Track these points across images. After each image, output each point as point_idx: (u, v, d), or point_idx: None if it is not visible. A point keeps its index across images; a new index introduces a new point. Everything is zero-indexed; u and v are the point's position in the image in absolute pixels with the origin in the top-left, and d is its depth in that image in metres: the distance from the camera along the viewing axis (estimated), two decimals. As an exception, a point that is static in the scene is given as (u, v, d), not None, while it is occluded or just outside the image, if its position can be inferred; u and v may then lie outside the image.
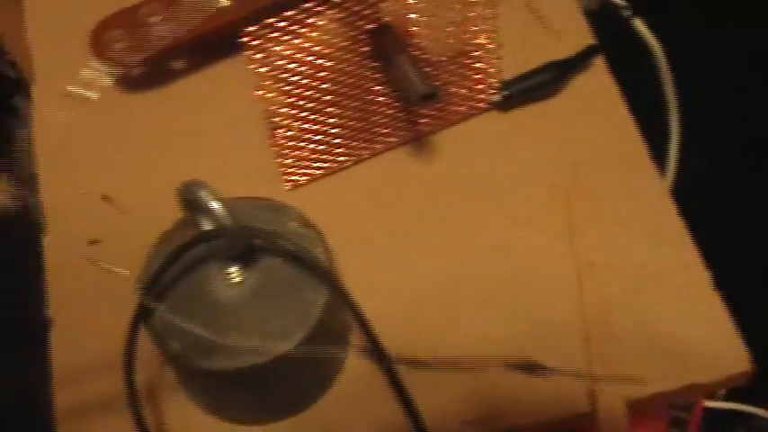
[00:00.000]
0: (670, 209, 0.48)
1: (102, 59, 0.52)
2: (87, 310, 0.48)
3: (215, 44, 0.54)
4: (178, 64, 0.55)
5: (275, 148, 0.50)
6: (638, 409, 0.43)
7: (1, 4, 0.73)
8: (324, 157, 0.50)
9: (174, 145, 0.53)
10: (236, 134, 0.53)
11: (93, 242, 0.50)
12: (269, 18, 0.51)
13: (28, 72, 0.80)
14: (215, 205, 0.39)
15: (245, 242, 0.41)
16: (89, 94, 0.54)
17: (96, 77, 0.54)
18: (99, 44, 0.52)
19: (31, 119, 0.55)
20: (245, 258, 0.41)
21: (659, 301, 0.46)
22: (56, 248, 0.50)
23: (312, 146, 0.49)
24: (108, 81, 0.54)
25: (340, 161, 0.50)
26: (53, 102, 0.55)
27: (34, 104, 0.56)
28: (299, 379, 0.43)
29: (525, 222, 0.49)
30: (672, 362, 0.44)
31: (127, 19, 0.53)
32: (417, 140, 0.51)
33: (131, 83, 0.55)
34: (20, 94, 0.93)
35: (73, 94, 0.54)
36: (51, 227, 0.51)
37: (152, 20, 0.53)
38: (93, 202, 0.52)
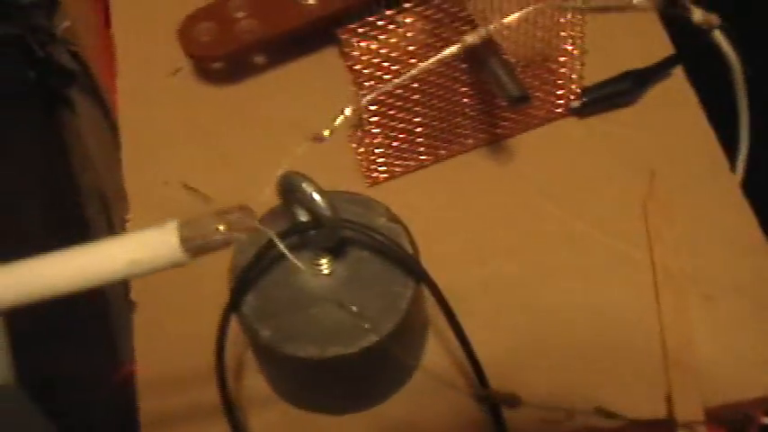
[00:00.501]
0: (750, 219, 0.49)
1: (189, 52, 0.54)
2: (170, 296, 0.49)
3: (296, 40, 0.55)
4: (260, 59, 0.56)
5: (355, 145, 0.51)
6: (716, 416, 0.43)
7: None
8: (405, 155, 0.51)
9: (254, 138, 0.54)
10: (314, 129, 0.54)
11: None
12: (354, 16, 0.53)
13: (95, 64, 0.82)
14: (316, 197, 0.40)
15: (339, 234, 0.41)
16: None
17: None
18: (186, 37, 0.53)
19: (116, 108, 0.57)
20: (336, 250, 0.42)
21: (737, 311, 0.46)
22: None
23: (395, 143, 0.50)
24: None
25: (420, 159, 0.51)
26: (137, 93, 0.56)
27: (119, 96, 0.57)
28: (383, 370, 0.44)
29: (602, 228, 0.49)
30: (749, 371, 0.44)
31: (215, 13, 0.54)
32: (496, 143, 0.52)
33: (215, 75, 0.56)
34: (76, 85, 0.95)
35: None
36: (134, 214, 0.52)
37: (239, 15, 0.54)
38: (175, 191, 0.53)
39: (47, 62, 0.93)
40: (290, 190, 0.40)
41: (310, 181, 0.40)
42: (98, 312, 0.80)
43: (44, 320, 0.63)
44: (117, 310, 0.82)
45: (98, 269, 0.35)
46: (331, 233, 0.41)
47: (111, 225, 0.96)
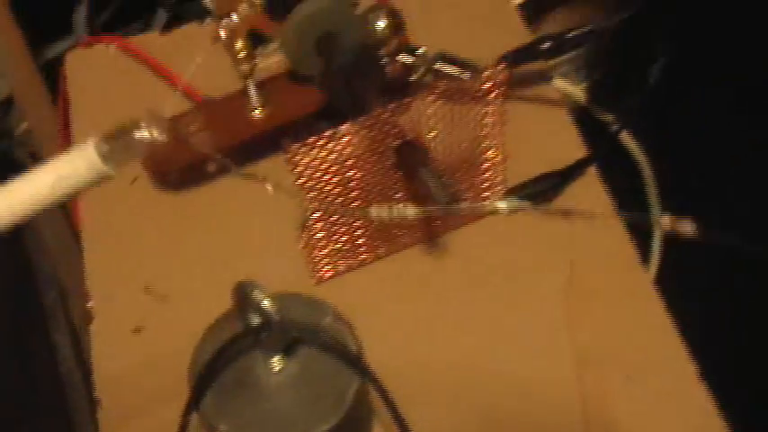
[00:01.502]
0: (657, 303, 0.54)
1: (145, 165, 0.58)
2: (132, 394, 0.53)
3: (246, 149, 0.60)
4: (213, 167, 0.61)
5: (302, 246, 0.55)
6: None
7: (36, 101, 0.79)
8: (348, 254, 0.55)
9: (211, 240, 0.58)
10: (268, 231, 0.58)
11: (137, 330, 0.55)
12: (298, 128, 0.58)
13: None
14: (266, 303, 0.44)
15: (289, 335, 0.46)
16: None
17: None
18: (144, 151, 0.58)
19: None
20: (287, 350, 0.47)
21: (654, 389, 0.51)
22: (102, 335, 0.55)
23: (339, 245, 0.55)
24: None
25: (362, 258, 0.56)
26: (98, 199, 0.60)
27: (81, 202, 0.61)
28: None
29: (528, 314, 0.54)
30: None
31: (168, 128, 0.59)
32: (431, 240, 0.57)
33: (171, 184, 0.60)
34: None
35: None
36: (98, 314, 0.56)
37: (192, 128, 0.59)
38: (136, 292, 0.57)
39: (4, 158, 0.96)
40: (242, 297, 0.45)
41: (260, 289, 0.44)
42: (57, 409, 0.83)
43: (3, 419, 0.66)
44: (77, 406, 0.84)
45: (31, 192, 0.41)
46: (281, 335, 0.45)
47: (69, 316, 0.98)
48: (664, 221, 0.44)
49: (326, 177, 0.51)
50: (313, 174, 0.50)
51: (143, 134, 0.43)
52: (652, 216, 0.66)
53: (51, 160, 0.41)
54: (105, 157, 0.41)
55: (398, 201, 0.54)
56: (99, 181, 0.42)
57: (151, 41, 0.68)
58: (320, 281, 0.56)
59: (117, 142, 0.42)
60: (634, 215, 0.53)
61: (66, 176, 0.41)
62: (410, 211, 0.46)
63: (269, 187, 0.47)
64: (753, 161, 0.70)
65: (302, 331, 0.46)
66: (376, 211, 0.46)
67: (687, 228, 0.43)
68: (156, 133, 0.43)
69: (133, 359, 0.54)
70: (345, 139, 0.50)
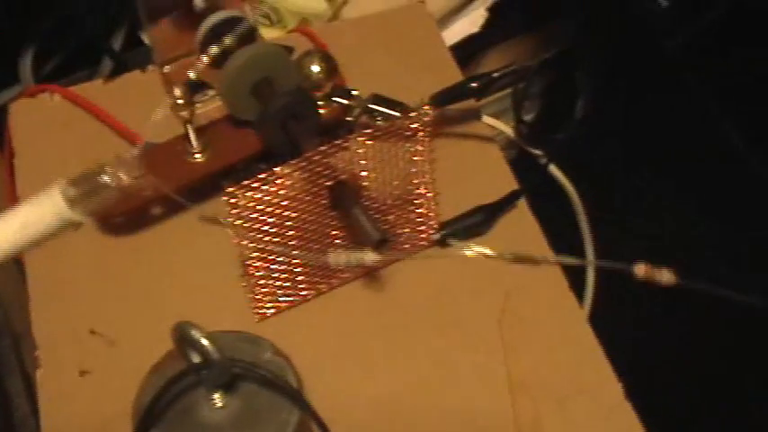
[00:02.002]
0: (588, 333, 0.57)
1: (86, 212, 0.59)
2: (80, 435, 0.54)
3: (189, 192, 0.62)
4: (157, 210, 0.62)
5: (245, 285, 0.57)
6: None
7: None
8: (288, 292, 0.57)
9: (156, 283, 0.60)
10: (211, 271, 0.60)
11: (83, 373, 0.56)
12: (237, 171, 0.60)
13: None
14: (204, 342, 0.46)
15: (229, 372, 0.47)
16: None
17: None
18: (87, 197, 0.59)
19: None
20: (228, 385, 0.48)
21: (585, 411, 0.53)
22: (49, 379, 0.56)
23: (279, 282, 0.56)
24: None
25: (302, 295, 0.58)
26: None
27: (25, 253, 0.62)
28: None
29: (465, 344, 0.57)
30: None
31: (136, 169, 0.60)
32: (369, 275, 0.59)
33: (116, 227, 0.62)
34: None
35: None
36: (44, 358, 0.57)
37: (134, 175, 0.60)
38: (83, 335, 0.58)
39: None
40: (182, 337, 0.46)
41: (198, 328, 0.46)
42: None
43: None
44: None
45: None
46: (221, 372, 0.47)
47: (22, 361, 0.98)
48: (639, 270, 0.45)
49: (263, 218, 0.53)
50: (250, 214, 0.52)
51: (110, 178, 0.42)
52: (586, 250, 0.69)
53: (15, 207, 0.40)
54: (72, 203, 0.40)
55: (332, 237, 0.56)
56: (66, 228, 0.40)
57: (94, 89, 0.69)
58: (263, 318, 0.58)
59: (83, 186, 0.41)
60: (570, 260, 0.56)
61: (31, 224, 0.39)
62: (369, 257, 0.48)
63: (219, 226, 0.49)
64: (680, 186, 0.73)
65: (242, 367, 0.48)
66: (334, 259, 0.49)
67: (665, 277, 0.45)
68: (123, 176, 0.43)
69: (80, 402, 0.55)
70: (280, 181, 0.52)
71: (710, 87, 0.71)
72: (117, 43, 0.85)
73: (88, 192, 0.41)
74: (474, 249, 0.57)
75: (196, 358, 0.47)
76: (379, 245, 0.51)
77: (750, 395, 0.75)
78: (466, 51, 0.89)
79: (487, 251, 0.57)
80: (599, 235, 0.67)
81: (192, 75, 0.56)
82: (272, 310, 0.58)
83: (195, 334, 0.46)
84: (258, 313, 0.57)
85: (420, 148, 0.56)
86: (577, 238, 0.67)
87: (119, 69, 0.79)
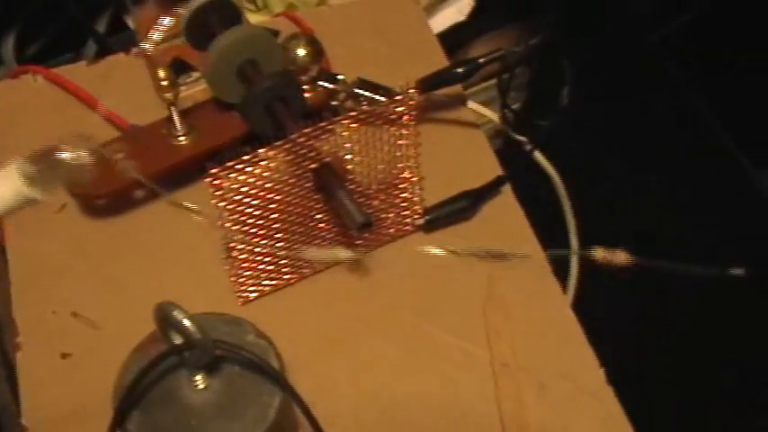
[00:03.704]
0: (569, 314, 0.57)
1: (72, 192, 0.59)
2: (60, 420, 0.53)
3: (173, 175, 0.61)
4: (140, 193, 0.62)
5: (229, 268, 0.57)
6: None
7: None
8: (272, 275, 0.57)
9: (139, 265, 0.59)
10: (194, 255, 0.60)
11: (65, 356, 0.56)
12: (222, 154, 0.60)
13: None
14: (186, 322, 0.45)
15: (211, 353, 0.47)
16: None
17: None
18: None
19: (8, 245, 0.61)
20: (210, 367, 0.48)
21: (566, 396, 0.54)
22: (29, 362, 0.56)
23: (262, 266, 0.56)
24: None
25: (286, 279, 0.58)
26: (25, 228, 0.61)
27: (7, 232, 0.61)
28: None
29: (449, 329, 0.57)
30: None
31: (94, 156, 0.60)
32: (354, 259, 0.59)
33: (99, 210, 0.61)
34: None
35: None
36: (25, 341, 0.56)
37: (118, 156, 0.60)
38: (64, 319, 0.57)
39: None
40: (164, 318, 0.46)
41: (180, 309, 0.46)
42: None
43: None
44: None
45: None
46: (203, 353, 0.47)
47: (4, 349, 0.98)
48: (598, 254, 0.48)
49: (247, 200, 0.53)
50: (233, 197, 0.52)
51: (67, 155, 0.42)
52: (570, 236, 0.69)
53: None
54: (30, 180, 0.40)
55: (317, 221, 0.56)
56: (24, 205, 0.41)
57: (78, 71, 0.69)
58: (246, 301, 0.58)
59: (41, 164, 0.41)
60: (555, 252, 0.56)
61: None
62: (342, 254, 0.48)
63: (194, 215, 0.48)
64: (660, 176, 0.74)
65: (224, 348, 0.48)
66: (310, 255, 0.49)
67: (621, 258, 0.49)
68: (80, 153, 0.43)
69: (61, 385, 0.55)
70: (264, 163, 0.52)
71: (692, 79, 0.71)
72: (101, 26, 0.85)
73: (45, 169, 0.41)
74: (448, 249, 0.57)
75: (178, 339, 0.47)
76: (363, 227, 0.51)
77: (729, 387, 0.76)
78: (453, 40, 0.89)
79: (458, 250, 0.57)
80: (583, 221, 0.67)
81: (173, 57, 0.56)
82: (256, 294, 0.57)
83: (177, 314, 0.46)
84: (241, 296, 0.57)
85: (405, 132, 0.56)
86: (561, 224, 0.67)
87: (103, 53, 0.78)
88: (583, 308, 0.60)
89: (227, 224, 0.53)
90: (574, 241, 0.68)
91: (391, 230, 0.60)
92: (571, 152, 0.67)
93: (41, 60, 0.81)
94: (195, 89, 0.64)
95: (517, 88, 0.82)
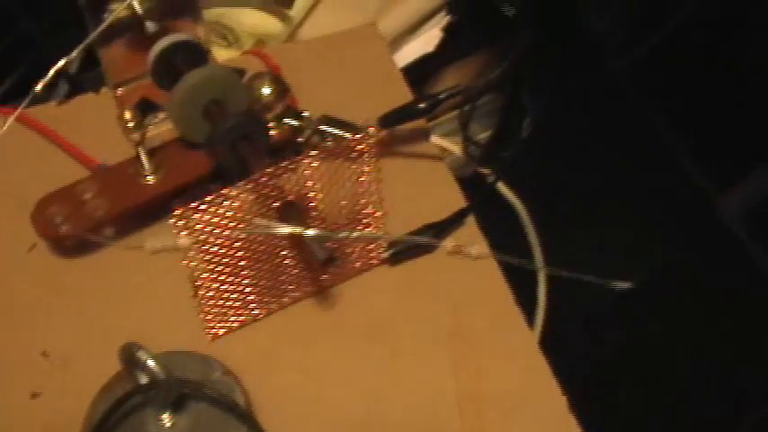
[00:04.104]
0: (533, 347, 0.58)
1: (42, 234, 0.60)
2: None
3: (141, 213, 0.62)
4: (110, 231, 0.63)
5: (197, 306, 0.58)
6: None
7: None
8: (239, 311, 0.58)
9: (109, 304, 0.60)
10: (164, 292, 0.60)
11: (35, 395, 0.56)
12: (189, 192, 0.61)
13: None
14: (150, 362, 0.46)
15: (176, 392, 0.48)
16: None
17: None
18: (39, 220, 0.60)
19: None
20: (176, 405, 0.49)
21: (527, 424, 0.55)
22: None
23: (229, 303, 0.57)
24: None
25: (254, 314, 0.59)
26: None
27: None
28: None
29: (415, 358, 0.58)
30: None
31: (65, 196, 0.61)
32: (321, 293, 0.60)
33: (69, 249, 0.62)
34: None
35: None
36: (-6, 382, 0.57)
37: (87, 196, 0.61)
38: (34, 357, 0.58)
39: None
40: (128, 358, 0.47)
41: (144, 349, 0.47)
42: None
43: None
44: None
45: None
46: (167, 392, 0.47)
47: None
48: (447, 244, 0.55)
49: (212, 239, 0.53)
50: (199, 236, 0.53)
51: None
52: (535, 260, 0.70)
53: None
54: None
55: (282, 257, 0.57)
56: None
57: (48, 111, 0.70)
58: (215, 338, 0.58)
59: None
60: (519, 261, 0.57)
61: None
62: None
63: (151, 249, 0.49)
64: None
65: (189, 387, 0.49)
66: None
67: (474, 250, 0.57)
68: None
69: (31, 425, 0.55)
70: (228, 202, 0.53)
71: (655, 104, 0.73)
72: (74, 65, 0.86)
73: None
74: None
75: (144, 379, 0.48)
76: (326, 263, 0.52)
77: (702, 408, 0.77)
78: (421, 71, 0.91)
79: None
80: (548, 249, 0.68)
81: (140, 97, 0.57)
82: (224, 330, 0.58)
83: (141, 355, 0.47)
84: (210, 333, 0.58)
85: (366, 168, 0.57)
86: (527, 253, 0.69)
87: (75, 92, 0.79)
88: (546, 332, 0.61)
89: (194, 262, 0.54)
90: (540, 266, 0.69)
91: (357, 264, 0.61)
92: (535, 180, 0.69)
93: (12, 99, 0.82)
94: (162, 128, 0.65)
95: (485, 118, 0.84)
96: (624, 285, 0.55)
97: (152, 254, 0.53)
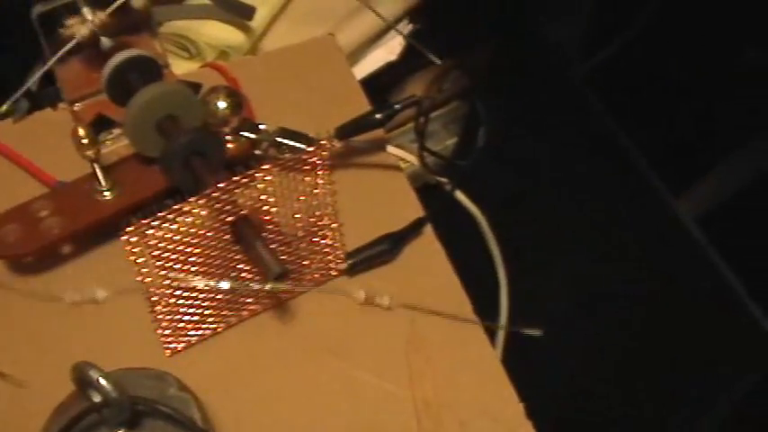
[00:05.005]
0: (490, 353, 0.58)
1: (-3, 252, 0.60)
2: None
3: (98, 231, 0.62)
4: (67, 248, 0.63)
5: (154, 321, 0.58)
6: None
7: None
8: (198, 326, 0.58)
9: (66, 322, 0.60)
10: (121, 309, 0.60)
11: (-9, 415, 0.56)
12: (144, 209, 0.61)
13: None
14: (102, 381, 0.46)
15: (129, 410, 0.48)
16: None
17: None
18: (-6, 238, 0.60)
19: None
20: (132, 423, 0.49)
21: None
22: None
23: (186, 317, 0.57)
24: None
25: (212, 328, 0.59)
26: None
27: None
28: None
29: (373, 371, 0.58)
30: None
31: (19, 214, 0.60)
32: (279, 306, 0.60)
33: (24, 267, 0.62)
34: None
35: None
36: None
37: (42, 214, 0.61)
38: (-9, 378, 0.58)
39: None
40: (80, 377, 0.47)
41: (95, 367, 0.47)
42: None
43: None
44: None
45: None
46: (120, 410, 0.47)
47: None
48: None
49: (166, 255, 0.54)
50: (152, 252, 0.53)
51: None
52: (498, 272, 0.70)
53: None
54: None
55: (238, 271, 0.57)
56: None
57: (5, 128, 0.69)
58: (174, 353, 0.58)
59: None
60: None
61: None
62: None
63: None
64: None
65: (143, 403, 0.49)
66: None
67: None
68: None
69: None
70: (181, 218, 0.53)
71: (613, 112, 0.74)
72: (34, 82, 0.85)
73: None
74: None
75: (97, 397, 0.48)
76: (279, 278, 0.53)
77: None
78: (385, 79, 0.91)
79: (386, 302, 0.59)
80: (514, 270, 0.69)
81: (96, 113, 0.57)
82: (183, 345, 0.58)
83: (93, 373, 0.47)
84: (168, 348, 0.58)
85: (321, 181, 0.57)
86: (487, 263, 0.69)
87: (35, 108, 0.79)
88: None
89: (148, 279, 0.54)
90: (502, 276, 0.69)
91: (315, 276, 0.61)
92: (493, 188, 0.69)
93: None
94: (119, 144, 0.65)
95: (453, 122, 0.84)
96: (536, 332, 0.56)
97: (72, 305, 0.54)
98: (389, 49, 0.93)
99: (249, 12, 0.84)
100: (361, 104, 0.71)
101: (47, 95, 0.81)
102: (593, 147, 0.77)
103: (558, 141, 0.76)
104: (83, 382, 0.47)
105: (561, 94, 0.79)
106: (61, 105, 0.71)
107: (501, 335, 0.68)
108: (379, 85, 0.79)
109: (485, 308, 0.63)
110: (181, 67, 0.79)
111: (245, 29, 0.86)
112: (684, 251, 0.78)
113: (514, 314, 0.70)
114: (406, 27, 0.94)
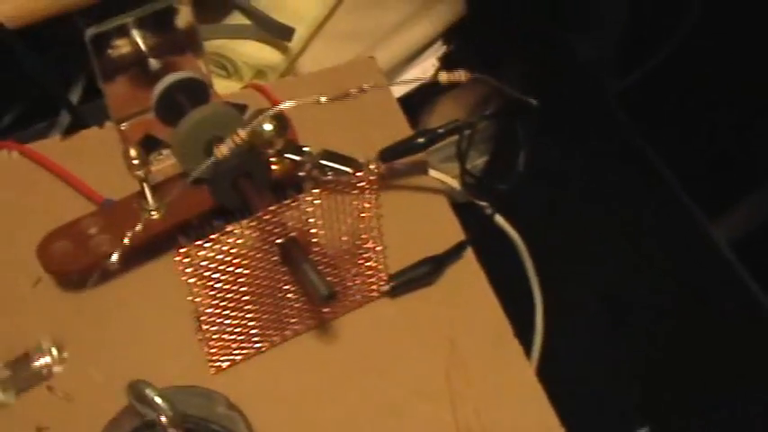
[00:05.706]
0: (532, 379, 0.59)
1: (48, 269, 0.61)
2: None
3: (146, 248, 0.63)
4: (114, 265, 0.64)
5: (200, 339, 0.59)
6: None
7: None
8: (243, 345, 0.59)
9: (114, 338, 0.61)
10: (168, 326, 0.61)
11: (41, 430, 0.57)
12: (193, 227, 0.62)
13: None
14: (158, 399, 0.47)
15: (182, 428, 0.49)
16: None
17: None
18: (45, 255, 0.61)
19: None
20: (183, 440, 0.50)
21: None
22: (5, 436, 0.57)
23: (233, 336, 0.58)
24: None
25: (257, 348, 0.60)
26: (2, 302, 0.63)
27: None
28: None
29: (415, 393, 0.59)
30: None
31: (70, 231, 0.62)
32: (322, 326, 0.61)
33: (72, 283, 0.63)
34: None
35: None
36: (0, 415, 0.58)
37: (92, 231, 0.62)
38: (40, 391, 0.59)
39: None
40: (136, 395, 0.48)
41: (152, 387, 0.48)
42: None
43: None
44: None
45: None
46: (174, 428, 0.48)
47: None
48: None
49: (216, 275, 0.55)
50: (203, 272, 0.54)
51: (44, 360, 0.45)
52: (534, 297, 0.71)
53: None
54: (3, 385, 0.43)
55: (284, 291, 0.58)
56: None
57: (52, 146, 0.71)
58: (219, 371, 0.59)
59: (17, 369, 0.44)
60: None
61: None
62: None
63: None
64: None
65: (194, 422, 0.50)
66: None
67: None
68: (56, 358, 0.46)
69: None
70: (231, 240, 0.54)
71: (646, 133, 0.74)
72: (75, 95, 0.87)
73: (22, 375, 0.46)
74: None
75: (151, 414, 0.49)
76: (328, 299, 0.54)
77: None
78: (419, 99, 0.92)
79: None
80: (545, 281, 0.70)
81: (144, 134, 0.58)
82: (227, 363, 0.59)
83: (149, 392, 0.48)
84: (213, 366, 0.59)
85: (367, 205, 0.58)
86: (524, 286, 0.70)
87: (76, 122, 0.80)
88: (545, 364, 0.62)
89: (197, 298, 0.55)
90: (538, 301, 0.70)
91: (357, 297, 0.62)
92: (531, 211, 0.70)
93: (15, 129, 0.83)
94: (166, 164, 0.66)
95: (479, 148, 0.85)
96: None
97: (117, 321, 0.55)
98: (423, 70, 0.94)
99: (288, 33, 0.85)
100: (400, 127, 0.72)
101: (90, 110, 0.82)
102: (622, 159, 0.78)
103: (588, 154, 0.77)
104: (138, 399, 0.48)
105: (595, 115, 0.80)
106: (108, 123, 0.72)
107: (535, 353, 0.69)
108: (411, 104, 0.80)
109: (517, 323, 0.63)
110: (218, 86, 0.80)
111: (282, 48, 0.87)
112: (714, 268, 0.79)
113: (549, 338, 0.71)
114: (440, 48, 0.95)
